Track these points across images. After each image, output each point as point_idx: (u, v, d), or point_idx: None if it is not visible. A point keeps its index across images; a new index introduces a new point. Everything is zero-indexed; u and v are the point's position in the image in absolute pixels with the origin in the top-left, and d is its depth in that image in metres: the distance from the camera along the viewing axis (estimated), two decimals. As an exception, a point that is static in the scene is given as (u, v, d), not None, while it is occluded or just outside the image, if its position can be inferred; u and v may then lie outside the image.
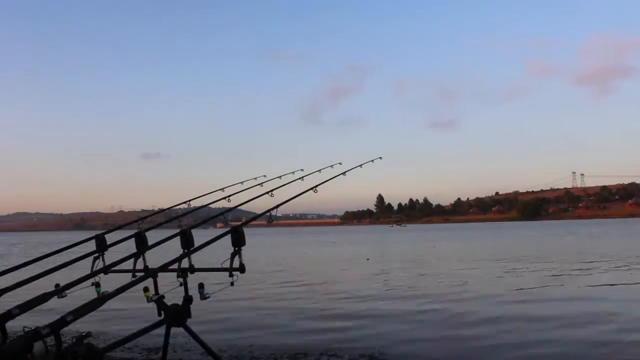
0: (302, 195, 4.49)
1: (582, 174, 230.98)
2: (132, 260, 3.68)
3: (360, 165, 6.01)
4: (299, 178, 5.20)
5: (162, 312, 2.89)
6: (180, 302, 2.95)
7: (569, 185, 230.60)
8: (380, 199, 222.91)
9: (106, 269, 3.59)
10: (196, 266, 3.12)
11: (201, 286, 2.95)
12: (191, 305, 2.96)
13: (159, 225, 5.04)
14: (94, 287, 3.48)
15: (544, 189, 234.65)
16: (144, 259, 3.76)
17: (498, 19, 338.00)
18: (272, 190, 4.91)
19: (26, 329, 2.19)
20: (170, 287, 3.00)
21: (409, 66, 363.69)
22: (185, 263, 3.10)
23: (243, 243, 3.08)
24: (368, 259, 13.50)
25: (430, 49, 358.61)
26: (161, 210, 6.35)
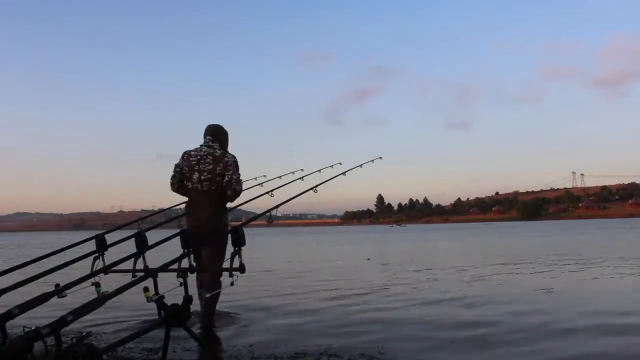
0: (302, 195, 4.48)
1: (582, 174, 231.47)
2: (132, 260, 3.69)
3: (361, 165, 6.02)
4: (299, 178, 5.21)
5: (162, 312, 2.90)
6: (180, 302, 2.95)
7: (569, 185, 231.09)
8: (380, 199, 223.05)
9: (106, 269, 3.60)
10: (196, 266, 3.12)
11: (201, 286, 2.96)
12: (191, 305, 2.96)
13: (159, 225, 5.06)
14: (94, 287, 3.49)
15: (544, 189, 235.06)
16: (144, 259, 3.77)
17: (519, 22, 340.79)
18: (272, 190, 4.92)
19: (26, 329, 2.20)
20: (170, 287, 3.00)
21: (429, 67, 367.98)
22: (185, 263, 3.10)
23: (243, 243, 3.09)
24: (369, 259, 13.49)
25: (450, 49, 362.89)
26: (161, 210, 6.37)
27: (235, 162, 4.43)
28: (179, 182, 4.47)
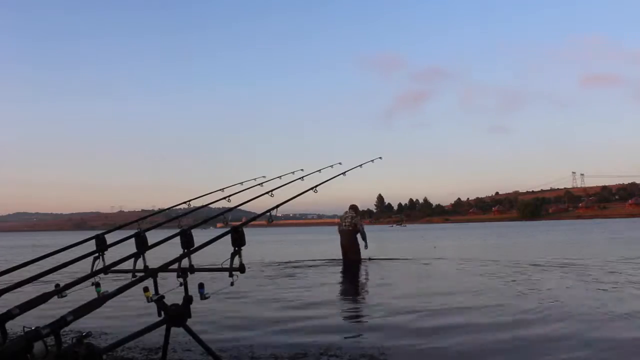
0: (302, 195, 4.49)
1: (582, 174, 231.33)
2: (132, 260, 3.68)
3: (360, 165, 6.01)
4: (299, 178, 5.20)
5: (162, 312, 2.89)
6: (180, 302, 2.95)
7: (569, 185, 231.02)
8: (380, 199, 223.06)
9: (106, 269, 3.58)
10: (196, 266, 3.12)
11: (201, 286, 2.95)
12: (191, 305, 2.95)
13: (159, 225, 5.04)
14: (94, 287, 3.48)
15: (544, 189, 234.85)
16: (144, 259, 3.75)
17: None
18: (272, 191, 4.91)
19: (26, 329, 2.19)
20: (170, 287, 3.00)
21: (481, 72, 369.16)
22: (185, 263, 3.09)
23: (243, 243, 3.08)
24: (370, 259, 13.47)
25: (494, 55, 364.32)
26: (161, 211, 6.36)
27: (359, 217, 11.93)
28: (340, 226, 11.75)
